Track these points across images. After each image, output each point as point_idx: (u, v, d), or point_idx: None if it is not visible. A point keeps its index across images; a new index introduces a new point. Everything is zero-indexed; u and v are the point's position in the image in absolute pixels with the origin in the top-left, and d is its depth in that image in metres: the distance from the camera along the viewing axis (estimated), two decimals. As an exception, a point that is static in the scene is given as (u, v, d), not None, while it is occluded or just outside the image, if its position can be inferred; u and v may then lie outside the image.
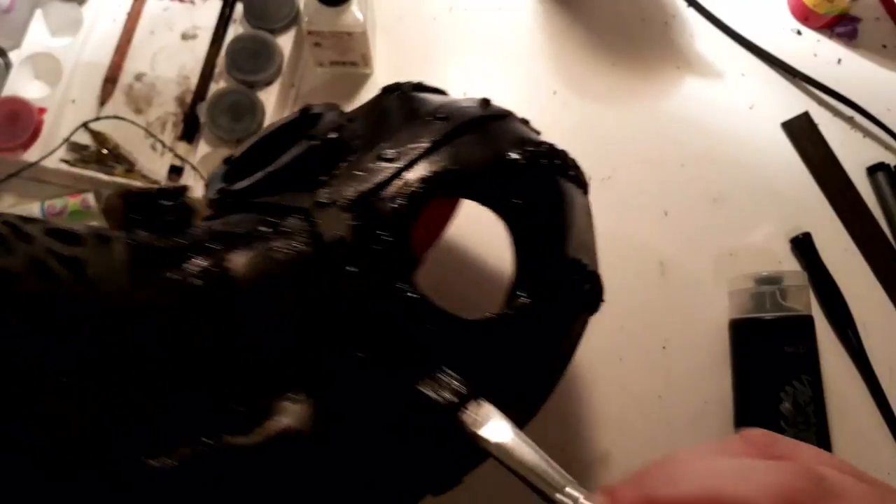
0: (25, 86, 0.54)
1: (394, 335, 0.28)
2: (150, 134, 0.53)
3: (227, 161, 0.39)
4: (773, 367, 0.45)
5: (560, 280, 0.33)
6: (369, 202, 0.30)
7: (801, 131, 0.55)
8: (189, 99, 0.54)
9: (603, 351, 0.48)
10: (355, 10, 0.50)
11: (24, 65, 0.54)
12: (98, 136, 0.52)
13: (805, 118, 0.55)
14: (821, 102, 0.56)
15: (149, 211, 0.28)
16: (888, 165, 0.53)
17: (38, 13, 0.55)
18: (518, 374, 0.31)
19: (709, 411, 0.47)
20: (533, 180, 0.34)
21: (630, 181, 0.53)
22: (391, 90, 0.38)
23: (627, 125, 0.55)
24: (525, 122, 0.39)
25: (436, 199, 0.34)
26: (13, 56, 0.54)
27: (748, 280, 0.47)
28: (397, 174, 0.31)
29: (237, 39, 0.54)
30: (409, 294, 0.29)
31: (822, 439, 0.44)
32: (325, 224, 0.29)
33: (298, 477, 0.26)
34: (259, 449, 0.25)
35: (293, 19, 0.55)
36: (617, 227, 0.52)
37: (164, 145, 0.53)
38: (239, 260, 0.27)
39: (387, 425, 0.28)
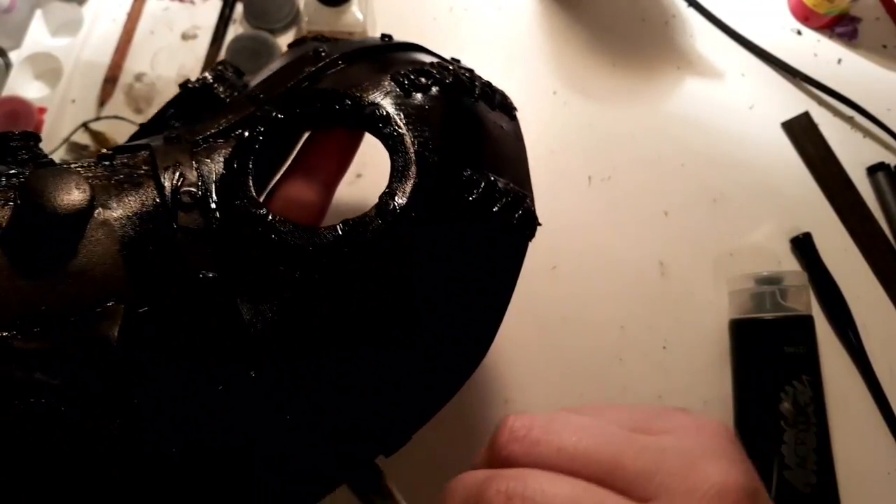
0: (25, 86, 0.54)
1: (239, 253, 0.28)
2: (150, 134, 0.53)
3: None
4: (773, 367, 0.45)
5: (452, 193, 0.30)
6: (222, 135, 0.30)
7: (801, 131, 0.55)
8: (189, 99, 0.54)
9: (603, 351, 0.48)
10: (355, 10, 0.50)
11: (25, 65, 0.54)
12: (98, 136, 0.52)
13: (805, 118, 0.55)
14: (821, 102, 0.56)
15: (1, 151, 0.28)
16: (888, 165, 0.53)
17: (39, 13, 0.56)
18: (401, 285, 0.30)
19: (709, 411, 0.47)
20: (422, 100, 0.31)
21: (630, 181, 0.53)
22: (295, 44, 0.38)
23: (627, 125, 0.55)
24: (452, 60, 0.37)
25: (324, 131, 0.34)
26: (13, 56, 0.54)
27: (748, 280, 0.47)
28: (256, 109, 0.31)
29: (237, 39, 0.54)
30: (253, 211, 0.28)
31: (822, 439, 0.44)
32: (164, 157, 0.29)
33: (101, 381, 0.26)
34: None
35: (293, 19, 0.55)
36: (617, 227, 0.52)
37: (164, 145, 0.53)
38: (52, 179, 0.27)
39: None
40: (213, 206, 0.28)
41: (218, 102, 0.33)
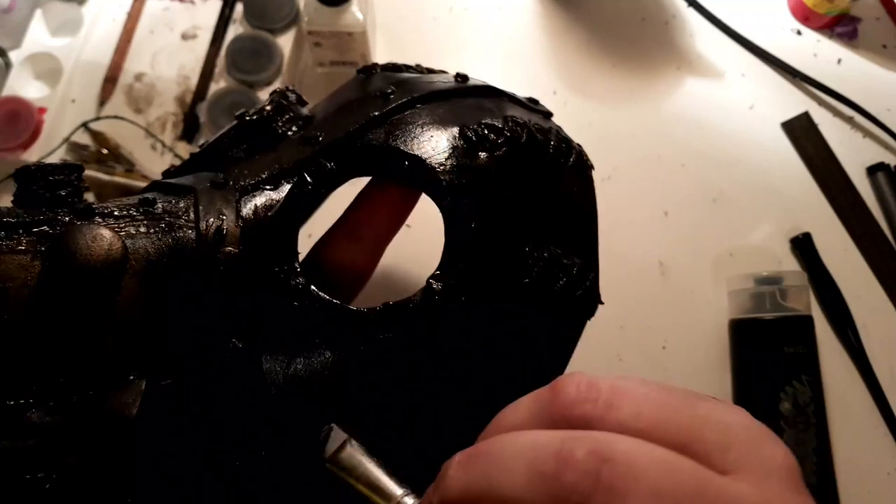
0: (25, 85, 0.54)
1: (272, 324, 0.27)
2: (150, 134, 0.53)
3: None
4: (773, 367, 0.45)
5: (508, 272, 0.29)
6: (271, 182, 0.29)
7: (801, 131, 0.55)
8: (189, 99, 0.54)
9: (603, 351, 0.48)
10: (355, 10, 0.50)
11: (25, 65, 0.54)
12: (98, 136, 0.52)
13: (805, 118, 0.55)
14: (821, 102, 0.56)
15: (41, 185, 0.27)
16: (888, 165, 0.53)
17: (39, 13, 0.55)
18: (441, 370, 0.28)
19: (709, 411, 0.47)
20: (488, 161, 0.29)
21: (630, 181, 0.53)
22: (365, 71, 0.35)
23: (627, 125, 0.55)
24: (528, 101, 0.35)
25: (378, 186, 0.32)
26: (13, 56, 0.54)
27: (748, 280, 0.47)
28: (311, 154, 0.30)
29: (237, 39, 0.54)
30: (291, 282, 0.27)
31: (822, 439, 0.44)
32: (208, 206, 0.27)
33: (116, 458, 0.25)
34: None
35: (293, 19, 0.55)
36: (617, 227, 0.52)
37: (164, 145, 0.53)
38: (84, 240, 0.25)
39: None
40: (252, 268, 0.27)
41: (275, 136, 0.31)
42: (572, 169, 0.32)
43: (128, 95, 0.54)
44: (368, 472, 0.24)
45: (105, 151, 0.52)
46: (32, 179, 0.27)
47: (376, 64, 0.36)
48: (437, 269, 0.28)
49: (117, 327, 0.25)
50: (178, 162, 0.51)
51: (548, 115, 0.36)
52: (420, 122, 0.30)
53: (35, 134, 0.51)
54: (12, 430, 0.24)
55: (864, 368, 0.48)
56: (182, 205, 0.28)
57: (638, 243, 0.51)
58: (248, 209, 0.28)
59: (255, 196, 0.28)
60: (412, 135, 0.30)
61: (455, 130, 0.30)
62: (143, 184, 0.51)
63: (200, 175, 0.30)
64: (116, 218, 0.27)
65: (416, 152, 0.29)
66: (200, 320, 0.26)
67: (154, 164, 0.52)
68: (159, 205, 0.28)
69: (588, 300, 0.31)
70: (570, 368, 0.48)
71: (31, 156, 0.51)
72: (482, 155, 0.29)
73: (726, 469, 0.21)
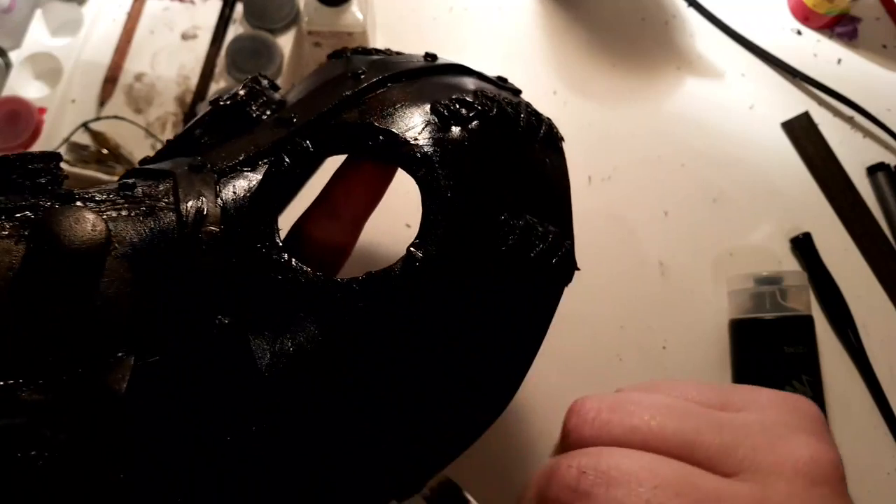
0: (25, 85, 0.54)
1: (257, 300, 0.27)
2: (150, 134, 0.53)
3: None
4: (773, 367, 0.45)
5: (486, 240, 0.29)
6: (248, 164, 0.29)
7: (801, 131, 0.55)
8: (189, 99, 0.54)
9: (603, 351, 0.48)
10: (355, 10, 0.50)
11: (25, 65, 0.54)
12: (98, 136, 0.52)
13: (805, 118, 0.55)
14: (821, 102, 0.56)
15: (21, 173, 0.27)
16: (888, 165, 0.53)
17: (39, 13, 0.56)
18: (424, 337, 0.29)
19: (709, 411, 0.47)
20: (460, 135, 0.30)
21: (630, 181, 0.53)
22: (336, 55, 0.36)
23: (627, 125, 0.55)
24: (497, 79, 0.36)
25: (354, 165, 0.33)
26: (13, 56, 0.54)
27: (748, 280, 0.47)
28: (287, 135, 0.30)
29: (237, 39, 0.54)
30: (274, 256, 0.28)
31: (822, 439, 0.44)
32: (188, 188, 0.28)
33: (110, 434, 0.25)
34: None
35: (293, 19, 0.55)
36: (617, 227, 0.52)
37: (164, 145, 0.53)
38: (67, 222, 0.25)
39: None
40: (234, 246, 0.27)
41: (250, 121, 0.32)
42: (543, 140, 0.33)
43: (128, 95, 0.54)
44: None
45: (105, 151, 0.52)
46: (12, 168, 0.27)
47: (346, 48, 0.36)
48: (417, 238, 0.29)
49: (103, 307, 0.25)
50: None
51: (517, 91, 0.36)
52: (392, 100, 0.31)
53: (35, 134, 0.51)
54: (3, 409, 0.24)
55: (864, 368, 0.48)
56: (162, 188, 0.28)
57: (638, 243, 0.51)
58: (227, 190, 0.28)
59: (233, 178, 0.29)
60: (385, 112, 0.30)
61: (427, 106, 0.30)
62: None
63: (178, 160, 0.30)
64: (98, 202, 0.27)
65: (390, 128, 0.30)
66: (185, 298, 0.26)
67: (154, 164, 0.52)
68: (139, 189, 0.28)
69: (564, 267, 0.31)
70: (572, 369, 0.49)
71: (31, 156, 0.51)
72: (455, 129, 0.30)
73: (732, 471, 0.21)
